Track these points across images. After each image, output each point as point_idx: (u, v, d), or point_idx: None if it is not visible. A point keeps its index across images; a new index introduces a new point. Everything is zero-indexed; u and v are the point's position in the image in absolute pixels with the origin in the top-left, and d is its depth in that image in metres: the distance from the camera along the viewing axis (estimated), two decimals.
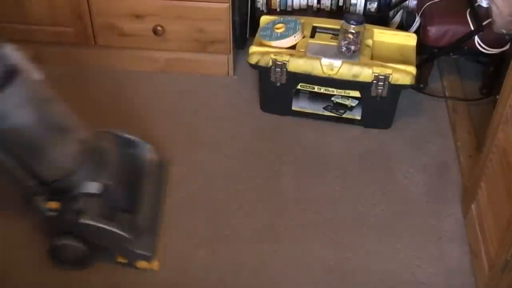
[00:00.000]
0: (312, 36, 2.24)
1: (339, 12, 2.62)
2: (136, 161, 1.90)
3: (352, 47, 2.13)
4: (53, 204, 1.66)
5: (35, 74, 1.54)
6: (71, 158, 1.66)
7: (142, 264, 1.74)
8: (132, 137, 1.93)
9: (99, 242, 1.70)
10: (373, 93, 2.15)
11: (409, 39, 2.28)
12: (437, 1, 2.32)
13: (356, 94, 2.19)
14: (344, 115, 2.26)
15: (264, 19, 2.34)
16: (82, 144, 1.68)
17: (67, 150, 1.65)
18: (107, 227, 1.66)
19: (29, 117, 1.53)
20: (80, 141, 1.68)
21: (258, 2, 2.64)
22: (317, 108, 2.27)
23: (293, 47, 2.20)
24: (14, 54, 1.51)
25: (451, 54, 2.35)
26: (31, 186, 1.64)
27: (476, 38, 2.20)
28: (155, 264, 1.75)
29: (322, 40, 2.21)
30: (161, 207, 1.91)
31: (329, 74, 2.14)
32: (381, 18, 2.59)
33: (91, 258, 1.73)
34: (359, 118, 2.26)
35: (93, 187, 1.68)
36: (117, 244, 1.70)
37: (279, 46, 2.19)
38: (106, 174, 1.72)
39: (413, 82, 2.14)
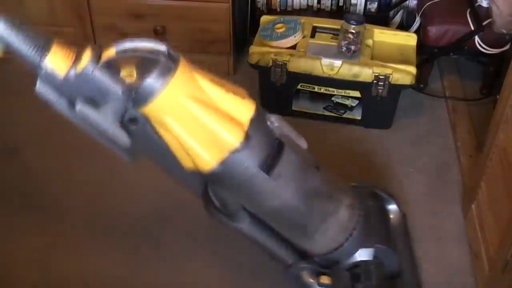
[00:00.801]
0: (312, 36, 2.24)
1: (339, 12, 2.62)
2: (388, 216, 1.73)
3: (352, 47, 2.13)
4: (325, 279, 1.50)
5: (301, 142, 1.42)
6: (341, 228, 1.49)
7: None
8: (378, 191, 1.75)
9: None
10: (373, 93, 2.15)
11: (409, 39, 2.28)
12: (437, 1, 2.32)
13: (356, 94, 2.19)
14: (344, 115, 2.26)
15: (264, 19, 2.34)
16: (350, 210, 1.50)
17: (336, 221, 1.48)
18: None
19: (296, 192, 1.38)
20: (348, 207, 1.50)
21: (258, 2, 2.64)
22: (317, 108, 2.27)
23: (293, 47, 2.20)
24: (279, 123, 1.37)
25: (451, 54, 2.35)
26: (296, 262, 1.53)
27: (476, 38, 2.20)
28: None
29: (322, 40, 2.22)
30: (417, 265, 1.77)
31: (329, 74, 2.14)
32: (381, 18, 2.59)
33: None
34: (359, 118, 2.26)
35: (366, 253, 1.51)
36: None
37: (279, 46, 2.19)
38: (376, 237, 1.55)
39: (413, 82, 2.14)
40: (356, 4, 2.61)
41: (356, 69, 2.12)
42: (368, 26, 2.22)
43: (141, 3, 2.32)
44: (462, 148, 2.15)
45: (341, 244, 1.48)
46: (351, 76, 2.13)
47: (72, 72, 1.18)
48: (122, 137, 1.23)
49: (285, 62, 2.15)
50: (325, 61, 2.13)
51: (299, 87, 2.22)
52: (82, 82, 1.18)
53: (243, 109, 1.27)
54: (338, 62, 2.12)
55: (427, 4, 2.34)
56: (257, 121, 1.29)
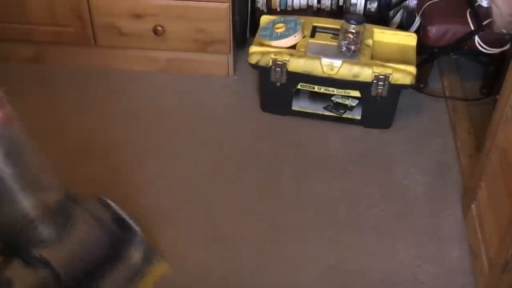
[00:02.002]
0: (312, 36, 2.24)
1: (339, 12, 2.62)
2: (116, 246, 1.63)
3: (352, 47, 2.13)
4: None
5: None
6: (25, 213, 1.48)
7: None
8: (125, 217, 1.66)
9: None
10: (373, 93, 2.15)
11: (409, 39, 2.28)
12: (437, 1, 2.32)
13: (356, 94, 2.19)
14: (344, 115, 2.26)
15: (264, 19, 2.34)
16: (45, 203, 1.51)
17: (23, 204, 1.48)
18: None
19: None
20: (44, 198, 1.52)
21: (258, 2, 2.64)
22: (317, 108, 2.27)
23: (293, 47, 2.20)
24: None
25: (451, 54, 2.35)
26: None
27: (476, 38, 2.20)
28: None
29: (322, 40, 2.21)
30: None
31: (329, 74, 2.14)
32: (381, 18, 2.59)
33: None
34: (359, 118, 2.26)
35: (35, 256, 1.50)
36: None
37: (279, 46, 2.19)
38: (59, 248, 1.51)
39: (413, 82, 2.14)
40: (356, 4, 2.61)
41: (356, 69, 2.12)
42: (368, 26, 2.22)
43: (141, 3, 2.32)
44: (462, 148, 2.15)
45: (20, 232, 1.48)
46: (351, 76, 2.13)
47: None
48: None
49: (285, 62, 2.15)
50: (325, 61, 2.13)
51: (299, 87, 2.22)
52: None
53: None
54: (338, 62, 2.12)
55: (427, 4, 2.34)
56: None
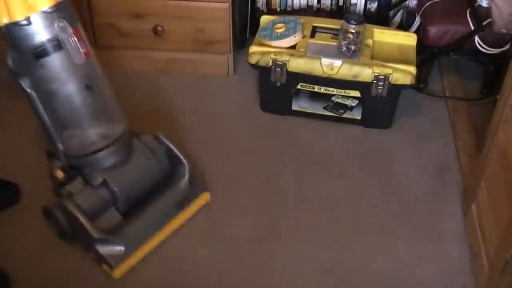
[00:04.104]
0: (312, 36, 2.24)
1: (339, 12, 2.63)
2: (165, 175, 1.87)
3: (352, 47, 2.13)
4: (59, 174, 1.75)
5: (79, 53, 1.61)
6: (91, 142, 1.70)
7: (104, 268, 1.72)
8: (175, 149, 1.89)
9: (75, 229, 1.72)
10: (373, 93, 2.15)
11: (409, 39, 2.28)
12: (437, 1, 2.32)
13: (356, 94, 2.19)
14: (344, 115, 2.26)
15: (264, 19, 2.34)
16: (109, 134, 1.72)
17: (91, 133, 1.69)
18: (80, 219, 1.67)
19: (71, 88, 1.61)
20: (110, 131, 1.72)
21: (258, 2, 2.65)
22: (317, 108, 2.27)
23: (293, 47, 2.20)
24: (64, 25, 1.56)
25: (451, 54, 2.35)
26: (57, 149, 1.74)
27: (476, 38, 2.20)
28: (116, 273, 1.71)
29: (322, 40, 2.22)
30: (163, 228, 1.83)
31: (329, 74, 2.14)
32: (381, 18, 2.59)
33: (73, 238, 1.76)
34: (359, 118, 2.26)
35: (94, 178, 1.73)
36: (86, 238, 1.70)
37: (279, 46, 2.19)
38: (118, 172, 1.75)
39: (413, 82, 2.14)
40: (356, 4, 2.61)
41: (356, 69, 2.12)
42: (368, 26, 2.22)
43: (141, 3, 2.32)
44: (462, 148, 2.15)
45: (87, 156, 1.72)
46: (351, 76, 2.13)
47: None
48: None
49: (285, 62, 2.15)
50: (325, 61, 2.13)
51: (299, 87, 2.22)
52: None
53: None
54: (338, 62, 2.12)
55: (427, 4, 2.34)
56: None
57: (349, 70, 2.13)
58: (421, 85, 2.43)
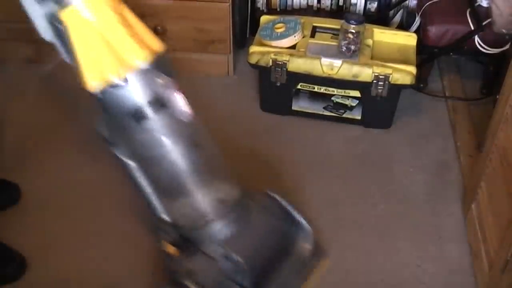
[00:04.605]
0: (312, 36, 2.24)
1: (339, 12, 2.62)
2: (286, 240, 1.61)
3: (352, 47, 2.13)
4: (171, 249, 1.48)
5: (182, 109, 1.41)
6: (204, 211, 1.44)
7: None
8: (293, 211, 1.61)
9: None
10: (373, 93, 2.15)
11: (409, 39, 2.28)
12: (437, 1, 2.32)
13: (356, 94, 2.19)
14: (344, 115, 2.26)
15: (264, 19, 2.34)
16: (224, 199, 1.46)
17: (203, 200, 1.43)
18: None
19: (177, 150, 1.36)
20: (223, 194, 1.46)
21: (258, 2, 2.64)
22: (317, 108, 2.27)
23: (293, 47, 2.20)
24: (166, 82, 1.39)
25: (451, 54, 2.35)
26: (164, 221, 1.48)
27: (476, 38, 2.20)
28: None
29: (322, 40, 2.21)
30: None
31: (329, 74, 2.14)
32: (381, 18, 2.59)
33: None
34: (359, 118, 2.26)
35: (216, 251, 1.45)
36: None
37: (279, 46, 2.19)
38: (240, 242, 1.47)
39: (413, 82, 2.14)
40: (356, 4, 2.61)
41: (356, 69, 2.12)
42: (368, 26, 2.22)
43: (141, 3, 2.32)
44: (462, 148, 2.15)
45: (200, 227, 1.42)
46: (351, 76, 2.13)
47: None
48: (46, 31, 1.29)
49: (285, 62, 2.15)
50: (325, 61, 2.13)
51: (299, 87, 2.22)
52: None
53: (154, 41, 1.35)
54: (338, 62, 2.12)
55: (427, 4, 2.34)
56: (158, 61, 1.34)
57: (349, 70, 2.12)
58: (421, 85, 2.43)
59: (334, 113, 2.27)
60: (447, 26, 2.24)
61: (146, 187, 1.45)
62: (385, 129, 2.27)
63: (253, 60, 2.20)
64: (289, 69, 2.16)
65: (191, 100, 2.48)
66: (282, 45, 2.20)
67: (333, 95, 2.22)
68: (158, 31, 2.37)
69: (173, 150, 1.35)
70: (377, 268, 1.79)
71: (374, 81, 2.12)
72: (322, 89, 2.21)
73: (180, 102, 1.38)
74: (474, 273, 1.75)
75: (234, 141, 2.22)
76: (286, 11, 2.66)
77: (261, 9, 2.66)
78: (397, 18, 2.64)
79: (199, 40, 2.40)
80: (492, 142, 1.68)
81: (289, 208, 1.58)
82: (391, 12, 2.65)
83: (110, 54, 1.25)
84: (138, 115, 1.30)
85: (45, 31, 1.28)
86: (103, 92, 1.26)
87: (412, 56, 2.22)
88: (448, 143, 2.21)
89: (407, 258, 1.82)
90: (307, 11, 2.65)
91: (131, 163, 1.42)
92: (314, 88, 2.21)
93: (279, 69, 2.16)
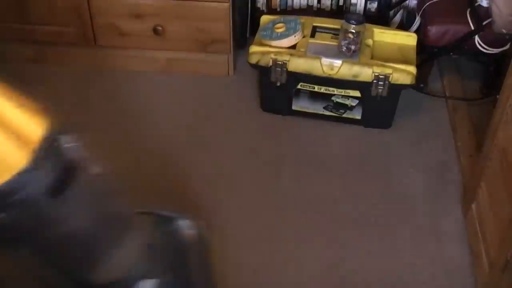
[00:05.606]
0: (312, 35, 2.24)
1: (339, 12, 2.62)
2: (179, 242, 1.55)
3: (352, 47, 2.13)
4: None
5: (95, 167, 1.31)
6: (132, 257, 1.35)
7: None
8: (170, 213, 1.56)
9: None
10: (373, 93, 2.15)
11: (409, 39, 2.28)
12: (437, 1, 2.32)
13: (356, 93, 2.19)
14: (344, 115, 2.26)
15: (264, 19, 2.34)
16: (143, 240, 1.38)
17: (128, 249, 1.34)
18: None
19: (87, 219, 1.22)
20: (143, 236, 1.38)
21: (258, 2, 2.64)
22: (317, 108, 2.27)
23: (293, 46, 2.20)
24: (72, 146, 1.29)
25: (451, 54, 2.35)
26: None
27: (476, 38, 2.20)
28: None
29: (322, 39, 2.21)
30: None
31: (329, 74, 2.14)
32: (381, 18, 2.59)
33: None
34: (359, 118, 2.26)
35: (149, 285, 1.39)
36: None
37: (279, 45, 2.19)
38: (158, 267, 1.42)
39: (413, 82, 2.14)
40: (356, 4, 2.61)
41: (356, 69, 2.12)
42: (368, 26, 2.22)
43: (141, 3, 2.32)
44: (462, 148, 2.15)
45: (123, 274, 1.32)
46: (351, 75, 2.13)
47: None
48: None
49: (285, 62, 2.15)
50: (325, 60, 2.13)
51: (299, 86, 2.22)
52: None
53: (33, 127, 1.06)
54: (338, 62, 2.12)
55: (427, 3, 2.33)
56: (48, 141, 1.08)
57: (349, 70, 2.13)
58: (421, 85, 2.43)
59: (334, 113, 2.27)
60: (447, 26, 2.24)
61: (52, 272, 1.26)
62: (385, 129, 2.27)
63: (253, 60, 2.20)
64: (289, 69, 2.16)
65: (191, 100, 2.49)
66: (282, 45, 2.20)
67: (333, 95, 2.22)
68: (158, 31, 2.36)
69: (84, 220, 1.19)
70: (377, 268, 1.79)
71: (374, 81, 2.12)
72: (322, 89, 2.21)
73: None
74: (474, 273, 1.75)
75: (234, 141, 2.22)
76: (286, 11, 2.66)
77: (261, 9, 2.66)
78: (397, 18, 2.64)
79: (199, 40, 2.40)
80: (492, 142, 1.68)
81: (167, 212, 1.52)
82: (391, 12, 2.65)
83: None
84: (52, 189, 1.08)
85: None
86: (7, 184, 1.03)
87: (412, 56, 2.22)
88: (448, 143, 2.22)
89: (407, 258, 1.82)
90: (307, 11, 2.65)
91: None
92: (314, 88, 2.21)
93: (279, 69, 2.16)
